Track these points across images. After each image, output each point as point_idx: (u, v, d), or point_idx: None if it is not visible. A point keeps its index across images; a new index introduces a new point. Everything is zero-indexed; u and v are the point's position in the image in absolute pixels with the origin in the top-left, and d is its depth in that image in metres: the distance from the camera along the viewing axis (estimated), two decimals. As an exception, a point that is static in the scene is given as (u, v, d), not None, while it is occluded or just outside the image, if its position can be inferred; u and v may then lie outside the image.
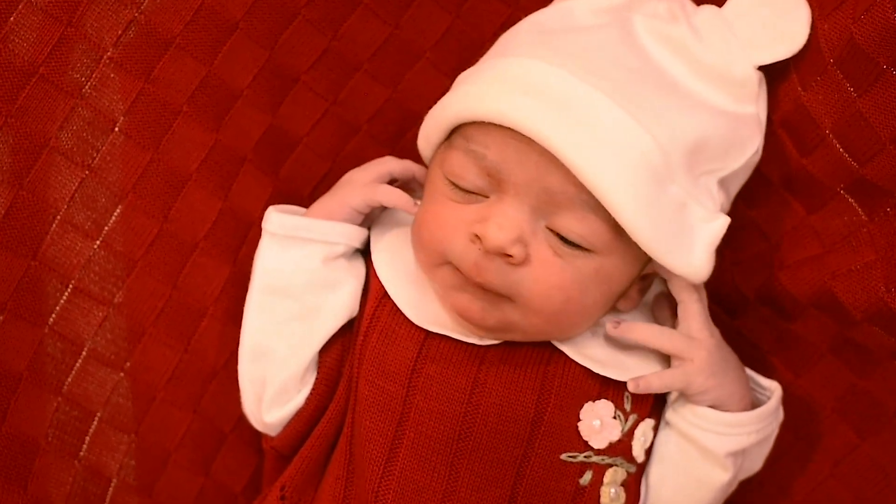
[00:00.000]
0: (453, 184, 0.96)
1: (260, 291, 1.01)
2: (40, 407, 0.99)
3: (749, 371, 1.03)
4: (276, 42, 1.04)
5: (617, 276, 0.96)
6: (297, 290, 1.00)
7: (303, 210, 1.05)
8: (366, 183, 1.04)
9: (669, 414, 1.01)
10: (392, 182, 1.06)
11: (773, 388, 1.03)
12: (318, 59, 1.07)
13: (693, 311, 0.99)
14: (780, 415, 1.03)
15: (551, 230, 0.92)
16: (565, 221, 0.91)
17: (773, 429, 1.02)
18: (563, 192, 0.90)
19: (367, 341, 0.99)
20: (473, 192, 0.94)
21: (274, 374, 1.01)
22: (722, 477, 0.99)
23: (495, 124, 0.91)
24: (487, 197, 0.94)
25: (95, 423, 1.03)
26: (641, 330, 0.98)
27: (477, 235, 0.92)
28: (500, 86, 0.93)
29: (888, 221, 0.94)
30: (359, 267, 1.03)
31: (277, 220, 1.01)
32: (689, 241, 0.93)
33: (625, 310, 1.01)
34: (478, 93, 0.94)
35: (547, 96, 0.90)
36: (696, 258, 0.94)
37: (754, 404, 1.01)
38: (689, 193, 0.93)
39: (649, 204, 0.90)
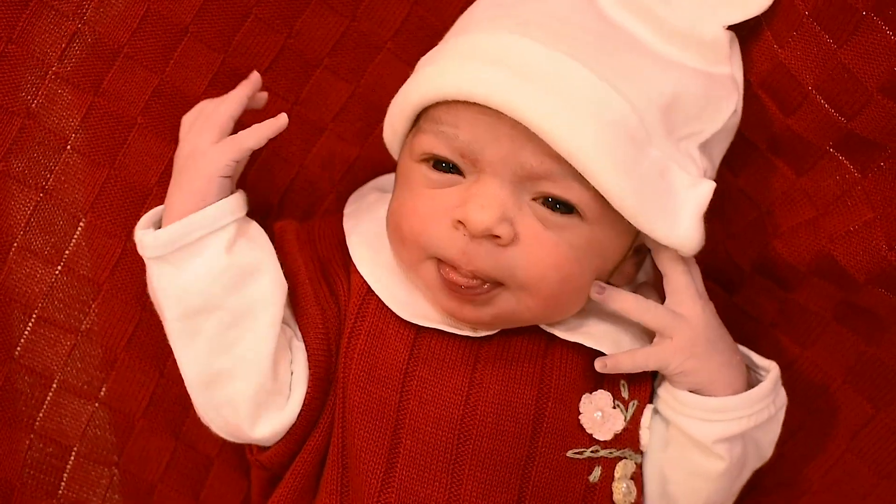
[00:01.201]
0: (427, 165, 0.91)
1: (177, 320, 0.90)
2: (12, 446, 0.95)
3: (746, 350, 0.98)
4: (229, 44, 1.00)
5: (610, 249, 0.92)
6: (216, 300, 0.89)
7: (162, 208, 0.93)
8: (216, 142, 0.92)
9: (656, 399, 0.97)
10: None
11: (769, 367, 0.97)
12: (275, 58, 1.03)
13: (679, 284, 0.94)
14: (782, 397, 0.97)
15: (537, 200, 0.88)
16: (551, 190, 0.88)
17: (771, 412, 0.95)
18: (540, 163, 0.87)
19: (353, 343, 0.94)
20: (449, 171, 0.90)
21: (238, 391, 0.92)
22: (716, 466, 0.94)
23: (462, 102, 0.87)
24: (464, 176, 0.90)
25: (73, 458, 0.99)
26: (624, 299, 0.93)
27: (460, 221, 0.87)
28: (463, 61, 0.89)
29: (883, 176, 0.91)
30: (258, 233, 0.93)
31: (152, 241, 0.89)
32: (675, 209, 0.90)
33: (619, 284, 0.97)
34: (440, 71, 0.90)
35: (512, 66, 0.86)
36: (683, 227, 0.90)
37: (752, 386, 0.96)
38: (670, 158, 0.90)
39: (629, 169, 0.86)
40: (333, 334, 0.95)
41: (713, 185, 0.91)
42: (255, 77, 0.97)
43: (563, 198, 0.88)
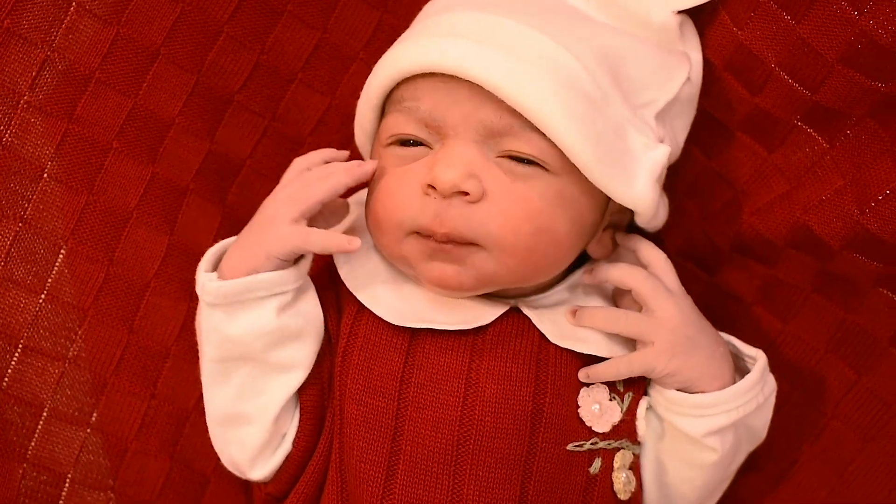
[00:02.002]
0: (395, 145, 0.93)
1: (215, 361, 0.93)
2: (6, 476, 0.95)
3: (731, 339, 0.99)
4: (202, 64, 1.01)
5: (582, 203, 0.93)
6: (257, 353, 0.92)
7: (222, 246, 0.96)
8: (295, 220, 0.92)
9: (650, 395, 0.96)
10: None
11: (756, 356, 0.97)
12: (250, 75, 1.04)
13: (647, 289, 0.94)
14: (770, 384, 0.97)
15: (502, 156, 0.90)
16: (514, 145, 0.90)
17: (760, 401, 0.95)
18: (500, 120, 0.89)
19: (348, 360, 0.94)
20: (416, 145, 0.92)
21: (250, 435, 0.95)
22: (710, 457, 0.95)
23: (421, 76, 0.90)
24: (431, 148, 0.92)
25: (67, 485, 0.99)
26: (593, 316, 0.94)
27: (430, 185, 0.89)
28: (416, 39, 0.93)
29: (850, 144, 0.93)
30: (312, 301, 0.95)
31: (214, 290, 0.90)
32: (631, 168, 0.92)
33: (597, 256, 0.99)
34: (395, 53, 0.94)
35: (466, 35, 0.90)
36: (639, 187, 0.92)
37: (743, 372, 0.96)
38: (627, 121, 0.92)
39: (584, 123, 0.88)
40: (326, 369, 0.96)
41: (668, 149, 0.94)
42: (369, 166, 0.94)
43: (526, 151, 0.90)
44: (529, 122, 0.88)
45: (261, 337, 0.91)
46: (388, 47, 1.06)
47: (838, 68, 0.89)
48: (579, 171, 0.90)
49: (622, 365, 0.93)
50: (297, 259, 0.93)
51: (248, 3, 1.01)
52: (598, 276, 0.95)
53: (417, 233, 0.91)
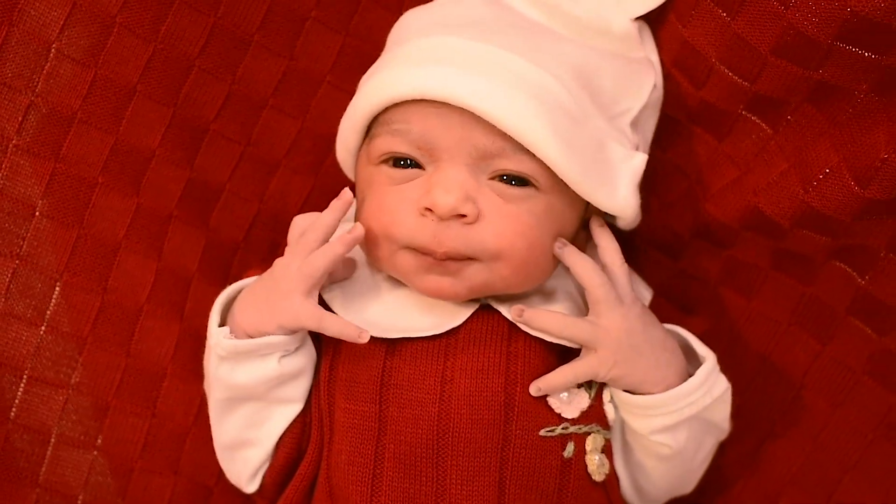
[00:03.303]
0: (387, 164, 0.97)
1: (222, 400, 1.00)
2: (20, 501, 0.99)
3: (689, 338, 1.02)
4: (177, 97, 1.05)
5: (566, 216, 0.98)
6: (258, 394, 0.99)
7: (242, 285, 1.02)
8: (306, 294, 0.96)
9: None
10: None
11: (705, 357, 1.00)
12: (223, 105, 1.08)
13: (599, 296, 0.97)
14: (720, 384, 0.99)
15: (494, 179, 0.95)
16: (505, 166, 0.94)
17: (707, 401, 0.98)
18: (491, 143, 0.93)
19: (335, 372, 1.00)
20: (409, 167, 0.96)
21: (252, 456, 1.02)
22: (663, 451, 1.00)
23: (410, 101, 0.94)
24: (423, 169, 0.96)
25: (79, 506, 1.03)
26: (544, 319, 0.97)
27: (427, 208, 0.93)
28: (405, 65, 0.96)
29: (792, 129, 0.98)
30: (309, 346, 1.01)
31: (228, 346, 0.97)
32: (613, 178, 0.97)
33: None
34: (384, 79, 0.97)
35: (452, 61, 0.94)
36: (621, 195, 0.97)
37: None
38: (605, 134, 0.97)
39: (569, 141, 0.93)
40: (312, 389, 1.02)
41: (645, 157, 0.99)
42: (357, 232, 0.97)
43: (517, 171, 0.94)
44: (519, 143, 0.92)
45: (264, 382, 0.98)
46: (354, 69, 1.11)
47: (772, 60, 0.94)
48: (565, 186, 0.95)
49: (569, 373, 0.97)
50: None
51: (217, 37, 1.05)
52: (565, 256, 0.98)
53: (411, 248, 0.95)
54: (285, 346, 0.97)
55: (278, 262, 1.00)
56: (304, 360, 1.00)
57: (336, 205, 0.98)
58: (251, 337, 0.96)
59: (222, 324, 1.00)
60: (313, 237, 0.98)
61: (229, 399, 1.00)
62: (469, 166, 0.94)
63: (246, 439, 1.01)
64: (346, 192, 0.99)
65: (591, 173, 0.95)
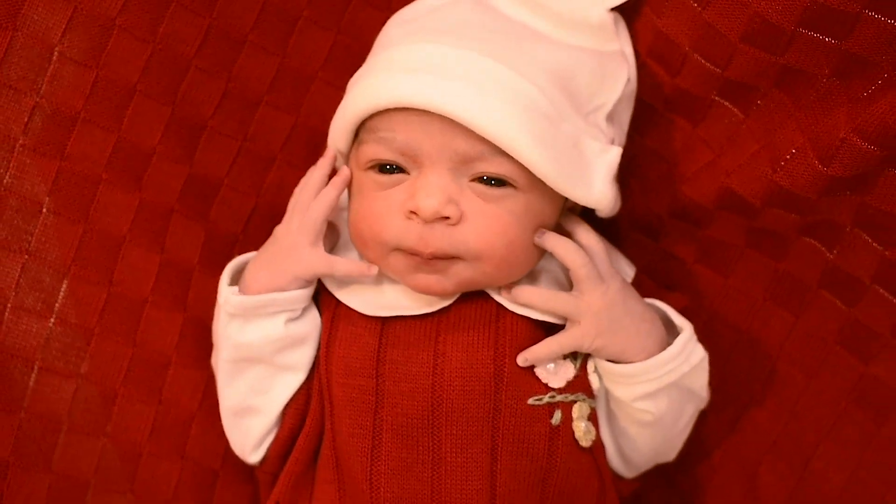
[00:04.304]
0: (374, 171, 1.02)
1: (229, 361, 1.05)
2: (32, 488, 1.02)
3: (667, 311, 1.07)
4: (175, 96, 1.08)
5: (545, 212, 1.03)
6: (267, 356, 1.04)
7: (249, 257, 1.08)
8: (313, 243, 1.04)
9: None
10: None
11: (682, 327, 1.05)
12: (220, 103, 1.11)
13: (580, 274, 1.02)
14: (697, 353, 1.04)
15: (474, 181, 0.99)
16: (485, 168, 0.99)
17: (686, 368, 1.03)
18: (471, 148, 0.98)
19: (331, 350, 1.05)
20: (394, 172, 1.01)
21: (256, 425, 1.07)
22: (645, 417, 1.05)
23: (394, 109, 0.98)
24: (408, 174, 1.00)
25: (91, 492, 1.06)
26: (529, 294, 1.02)
27: (412, 211, 0.98)
28: (388, 73, 1.00)
29: (761, 112, 1.02)
30: (313, 312, 1.07)
31: (237, 303, 1.03)
32: (589, 174, 1.01)
33: None
34: (369, 86, 1.01)
35: (432, 70, 0.98)
36: (597, 189, 1.02)
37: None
38: (581, 131, 1.01)
39: (546, 142, 0.97)
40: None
41: (619, 150, 1.03)
42: (344, 174, 1.06)
43: (496, 173, 0.99)
44: (497, 147, 0.97)
45: (271, 343, 1.03)
46: (345, 66, 1.15)
47: (741, 47, 0.98)
48: (543, 184, 0.99)
49: (554, 344, 1.02)
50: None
51: (213, 37, 1.08)
52: (546, 242, 1.03)
53: (401, 250, 1.00)
54: (292, 304, 1.03)
55: (278, 227, 1.06)
56: (309, 326, 1.05)
57: (338, 182, 1.05)
58: (259, 294, 1.02)
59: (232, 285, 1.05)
60: (306, 195, 1.05)
61: (236, 360, 1.04)
62: (451, 170, 0.99)
63: (251, 406, 1.06)
64: (346, 169, 1.05)
65: (568, 171, 0.99)
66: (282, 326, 1.03)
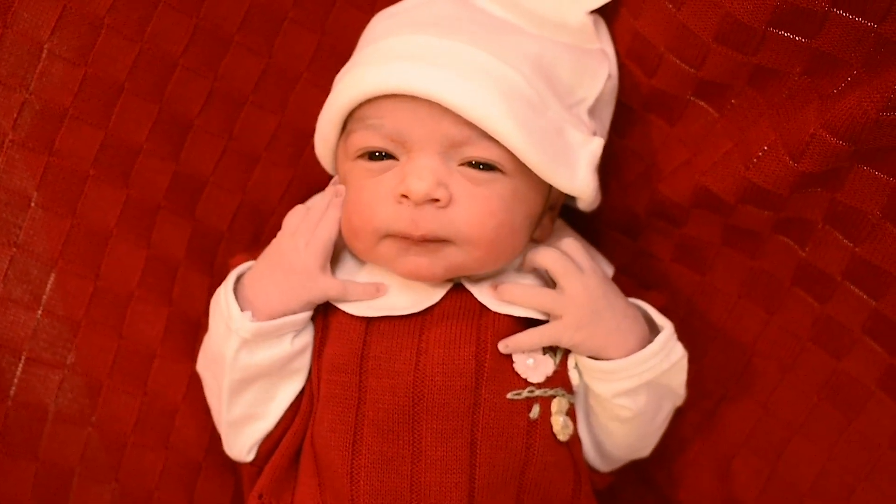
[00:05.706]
0: (364, 159, 1.03)
1: (235, 381, 1.05)
2: (19, 475, 1.04)
3: (648, 310, 1.09)
4: (163, 94, 1.10)
5: (531, 198, 1.05)
6: (270, 372, 1.06)
7: (244, 269, 1.08)
8: (322, 267, 1.05)
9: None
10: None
11: (662, 326, 1.06)
12: (206, 101, 1.13)
13: (559, 270, 1.05)
14: (677, 351, 1.06)
15: (463, 165, 1.01)
16: (473, 153, 1.01)
17: (665, 366, 1.05)
18: (459, 133, 1.00)
19: (323, 350, 1.06)
20: (384, 159, 1.03)
21: (258, 428, 1.08)
22: (624, 413, 1.06)
23: (382, 96, 1.00)
24: (398, 160, 1.02)
25: (76, 480, 1.08)
26: (513, 291, 1.05)
27: (403, 195, 1.00)
28: (376, 63, 1.02)
29: (735, 111, 1.04)
30: (310, 323, 1.08)
31: (251, 329, 1.02)
32: (573, 162, 1.04)
33: (541, 239, 1.10)
34: (357, 76, 1.03)
35: (419, 57, 1.00)
36: (580, 177, 1.04)
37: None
38: (564, 121, 1.04)
39: (530, 128, 1.00)
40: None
41: (602, 140, 1.06)
42: (341, 190, 1.07)
43: (484, 157, 1.01)
44: (484, 131, 0.99)
45: (278, 362, 1.05)
46: (329, 66, 1.16)
47: (714, 47, 1.00)
48: (529, 171, 1.01)
49: (535, 336, 1.04)
50: None
51: (200, 37, 1.10)
52: (527, 263, 1.07)
53: (392, 235, 1.02)
54: (302, 324, 1.04)
55: (283, 244, 1.05)
56: (309, 335, 1.06)
57: (338, 203, 1.06)
58: (272, 318, 1.03)
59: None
60: (315, 213, 1.06)
61: (242, 380, 1.05)
62: (440, 154, 1.01)
63: (254, 413, 1.07)
64: (341, 187, 1.07)
65: (552, 157, 1.02)
66: (289, 344, 1.04)
